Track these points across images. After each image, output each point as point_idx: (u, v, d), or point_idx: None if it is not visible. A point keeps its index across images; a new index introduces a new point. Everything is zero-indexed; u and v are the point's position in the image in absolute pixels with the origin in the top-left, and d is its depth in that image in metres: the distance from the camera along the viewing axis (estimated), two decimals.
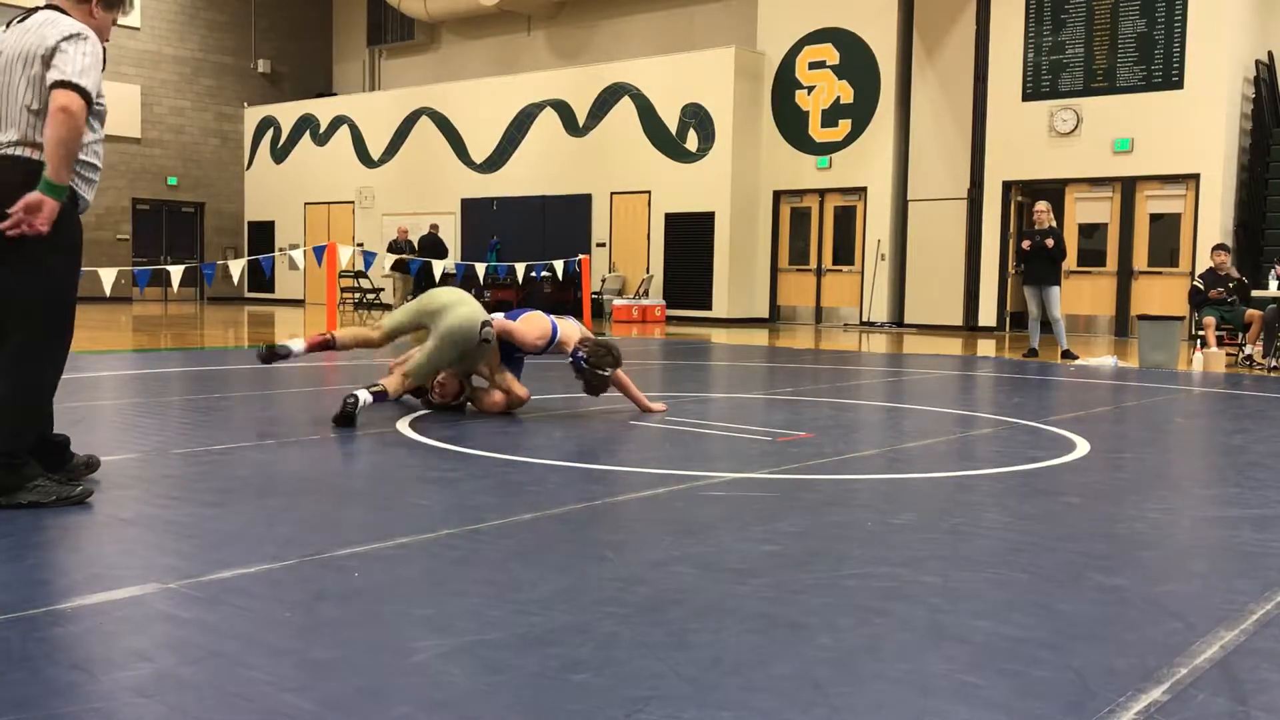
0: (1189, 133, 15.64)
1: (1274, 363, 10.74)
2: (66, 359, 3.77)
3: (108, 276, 11.85)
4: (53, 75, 3.51)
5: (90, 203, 3.80)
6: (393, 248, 20.00)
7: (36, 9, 3.73)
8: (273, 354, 5.83)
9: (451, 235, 23.00)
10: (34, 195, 3.41)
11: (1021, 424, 6.21)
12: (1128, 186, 16.41)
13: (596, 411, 6.34)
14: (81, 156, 3.63)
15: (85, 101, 3.53)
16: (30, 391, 3.66)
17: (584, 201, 21.32)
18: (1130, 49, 16.12)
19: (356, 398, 5.58)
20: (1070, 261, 13.26)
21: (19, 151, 3.56)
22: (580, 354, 5.98)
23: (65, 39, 3.56)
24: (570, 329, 6.22)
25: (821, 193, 19.47)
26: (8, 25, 3.72)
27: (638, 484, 4.19)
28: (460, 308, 5.87)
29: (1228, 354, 11.27)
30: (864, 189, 18.84)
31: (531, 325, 6.14)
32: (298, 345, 5.93)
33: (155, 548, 3.17)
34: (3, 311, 3.58)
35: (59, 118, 3.46)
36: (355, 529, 3.43)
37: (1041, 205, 12.41)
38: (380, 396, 5.74)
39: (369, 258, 15.83)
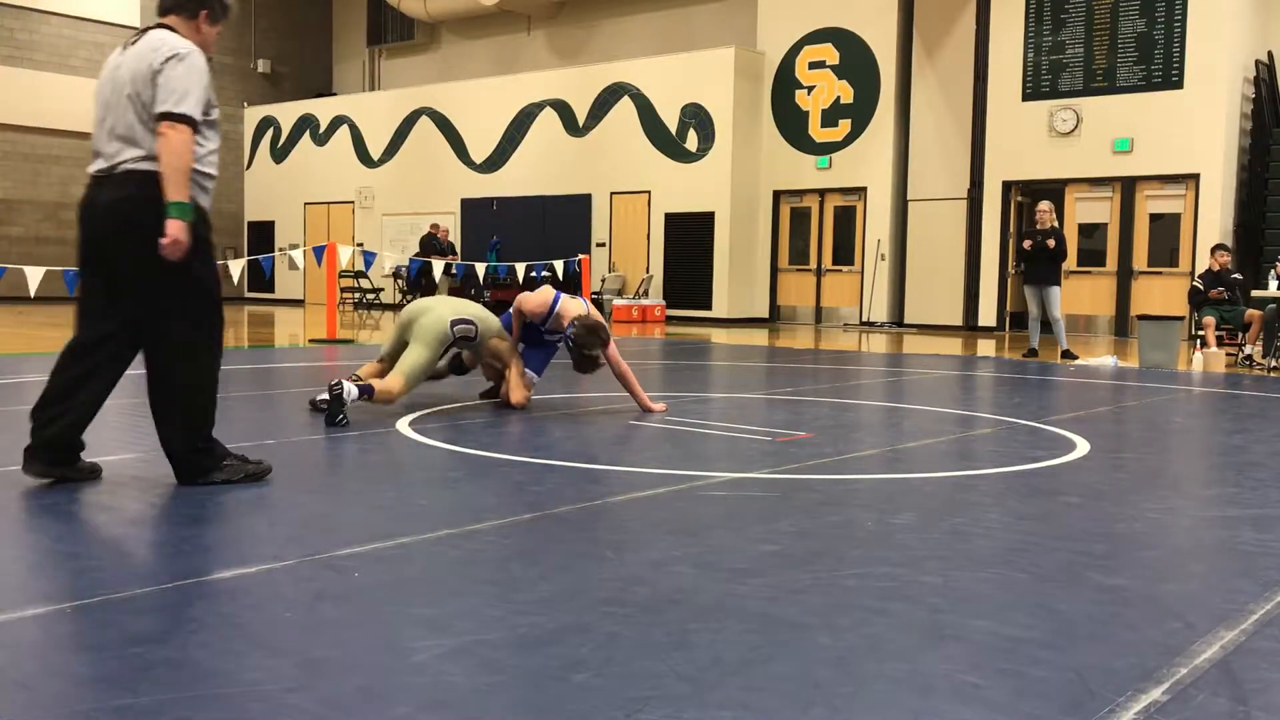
0: (1189, 133, 15.64)
1: (1274, 363, 10.74)
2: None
3: None
4: (156, 106, 3.76)
5: (209, 209, 4.04)
6: (432, 248, 19.91)
7: (149, 29, 3.98)
8: (333, 406, 5.58)
9: (452, 235, 22.99)
10: (169, 228, 3.70)
11: (1021, 424, 6.21)
12: (1127, 186, 16.41)
13: (596, 411, 6.34)
14: (197, 167, 3.87)
15: (189, 125, 3.78)
16: (210, 380, 4.09)
17: (584, 201, 21.32)
18: (1130, 49, 16.12)
19: (342, 386, 5.54)
20: (1070, 261, 13.26)
21: (139, 166, 3.79)
22: (569, 331, 6.15)
23: (166, 61, 3.78)
24: (570, 306, 6.35)
25: (821, 193, 19.47)
26: (124, 47, 3.96)
27: (638, 484, 4.19)
28: (431, 312, 6.05)
29: (1228, 354, 11.27)
30: (864, 189, 18.84)
31: (535, 295, 6.42)
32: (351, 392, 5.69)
33: (155, 548, 3.17)
34: (160, 318, 3.90)
35: (165, 147, 3.73)
36: (355, 529, 3.43)
37: (1044, 205, 12.41)
38: (367, 392, 5.68)
39: (369, 258, 15.83)
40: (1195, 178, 15.76)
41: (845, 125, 18.89)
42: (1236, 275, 12.02)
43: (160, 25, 3.97)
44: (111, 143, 3.85)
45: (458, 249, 22.00)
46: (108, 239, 3.83)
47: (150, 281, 3.82)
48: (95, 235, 3.86)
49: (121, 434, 5.26)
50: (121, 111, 3.83)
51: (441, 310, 6.09)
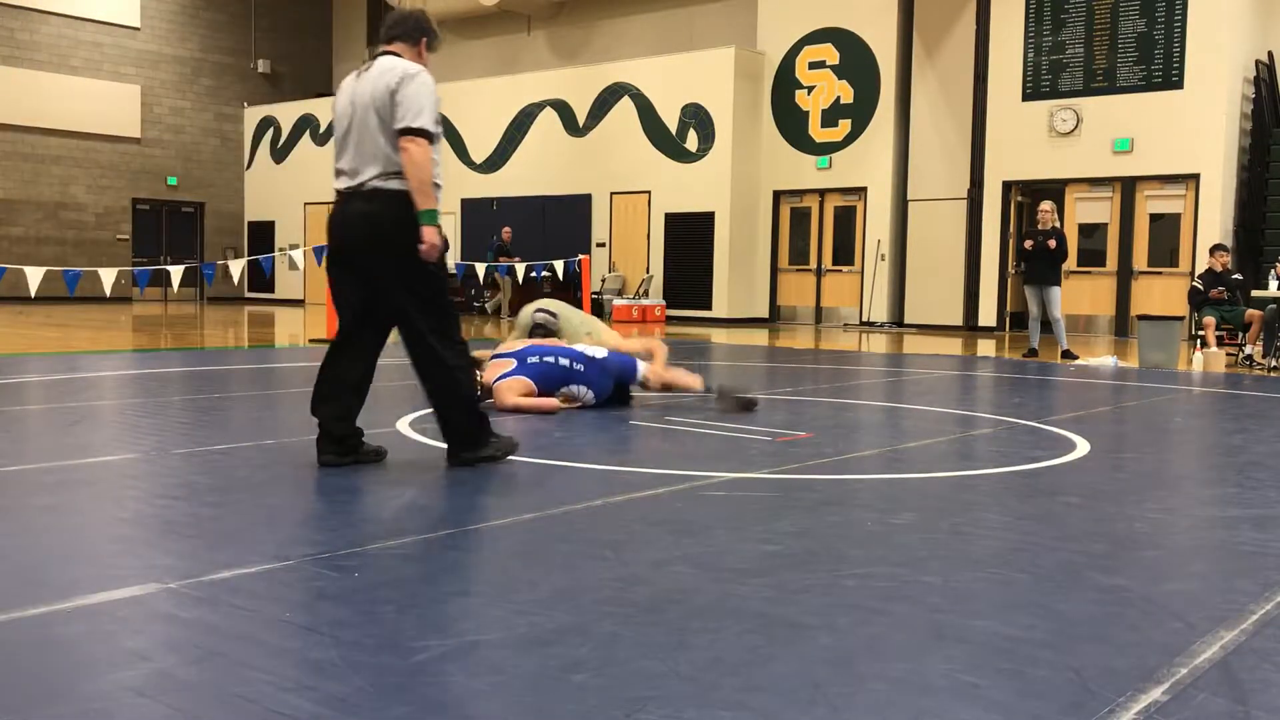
0: (1189, 133, 15.64)
1: (1274, 363, 10.74)
2: None
3: (108, 276, 11.85)
4: (396, 123, 4.18)
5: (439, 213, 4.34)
6: (502, 250, 19.95)
7: (377, 55, 4.41)
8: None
9: (452, 235, 22.99)
10: (425, 234, 4.15)
11: (1021, 424, 6.21)
12: (1127, 186, 16.41)
13: (596, 411, 6.34)
14: (434, 180, 4.26)
15: (427, 139, 4.18)
16: (467, 363, 4.45)
17: (584, 201, 21.32)
18: (1130, 49, 16.12)
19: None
20: (1070, 261, 13.26)
21: (382, 184, 4.23)
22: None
23: (400, 80, 4.20)
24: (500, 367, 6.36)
25: (821, 193, 19.47)
26: (357, 75, 4.39)
27: (638, 484, 4.19)
28: (529, 305, 6.88)
29: (1228, 354, 11.27)
30: (864, 189, 18.84)
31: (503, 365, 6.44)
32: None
33: (155, 548, 3.17)
34: (419, 311, 4.28)
35: (408, 160, 4.15)
36: (355, 529, 3.44)
37: (1045, 205, 12.41)
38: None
39: None
40: (1195, 178, 15.76)
41: (845, 125, 18.89)
42: (1237, 276, 12.01)
43: (387, 52, 4.39)
44: (356, 160, 4.29)
45: (451, 250, 21.99)
46: (358, 247, 4.32)
47: (405, 283, 4.27)
48: (346, 243, 4.36)
49: (121, 434, 5.26)
50: (363, 131, 4.26)
51: (531, 307, 6.73)
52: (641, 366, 6.55)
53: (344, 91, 4.39)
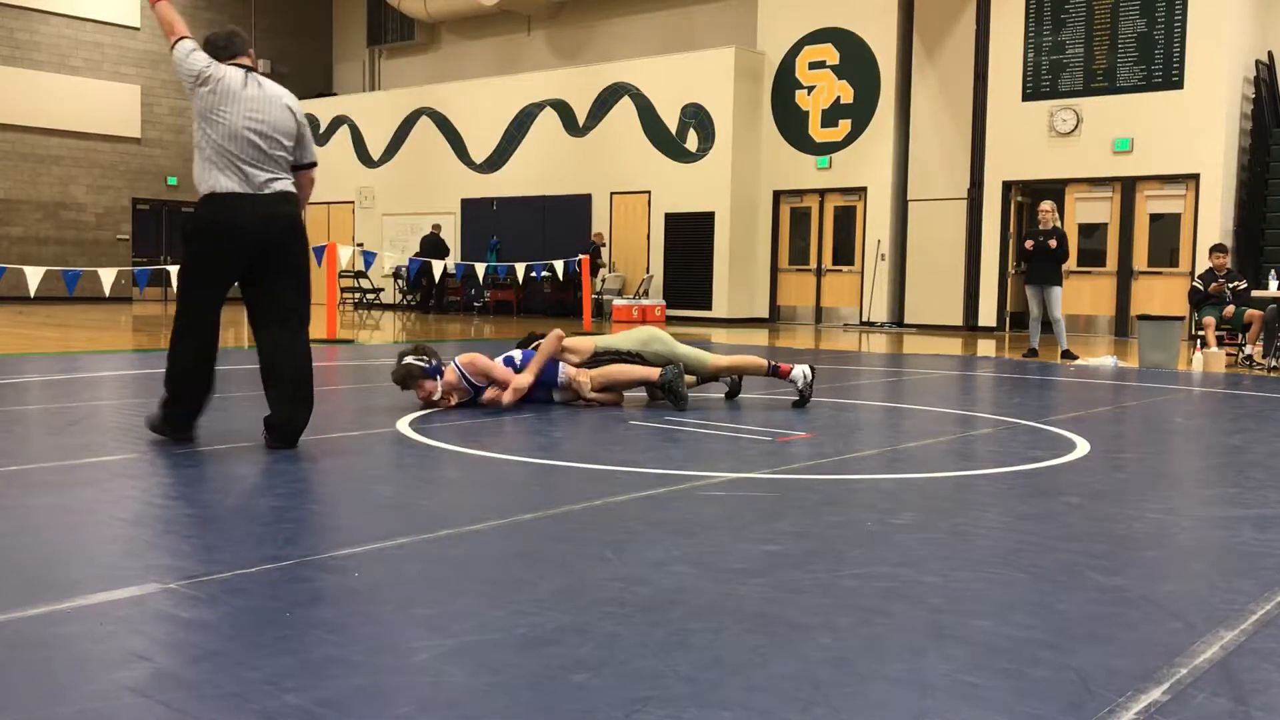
0: (1189, 133, 15.65)
1: (1274, 363, 10.74)
2: None
3: (107, 276, 11.85)
4: (306, 158, 5.06)
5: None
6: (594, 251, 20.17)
7: (242, 68, 4.90)
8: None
9: (452, 235, 23.00)
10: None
11: (1021, 424, 6.21)
12: (1128, 186, 16.41)
13: (597, 411, 6.34)
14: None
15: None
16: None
17: (584, 201, 21.32)
18: (1130, 49, 16.12)
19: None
20: (1070, 261, 13.26)
21: (289, 189, 4.89)
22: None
23: (301, 118, 4.99)
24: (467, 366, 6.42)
25: (821, 193, 19.47)
26: (244, 84, 4.83)
27: (638, 484, 4.19)
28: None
29: (1228, 354, 11.27)
30: (864, 189, 18.84)
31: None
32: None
33: (155, 548, 3.17)
34: (288, 304, 4.86)
35: (311, 186, 5.11)
36: (355, 529, 3.43)
37: (1046, 205, 12.41)
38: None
39: (369, 258, 15.84)
40: (1195, 178, 15.76)
41: (845, 125, 18.89)
42: (1240, 283, 11.98)
43: (246, 65, 4.94)
44: (272, 168, 4.85)
45: (452, 250, 22.02)
46: (275, 241, 4.81)
47: (296, 273, 4.92)
48: (268, 238, 4.80)
49: (121, 434, 5.26)
50: (274, 146, 4.88)
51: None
52: (563, 369, 6.52)
53: (242, 100, 4.74)
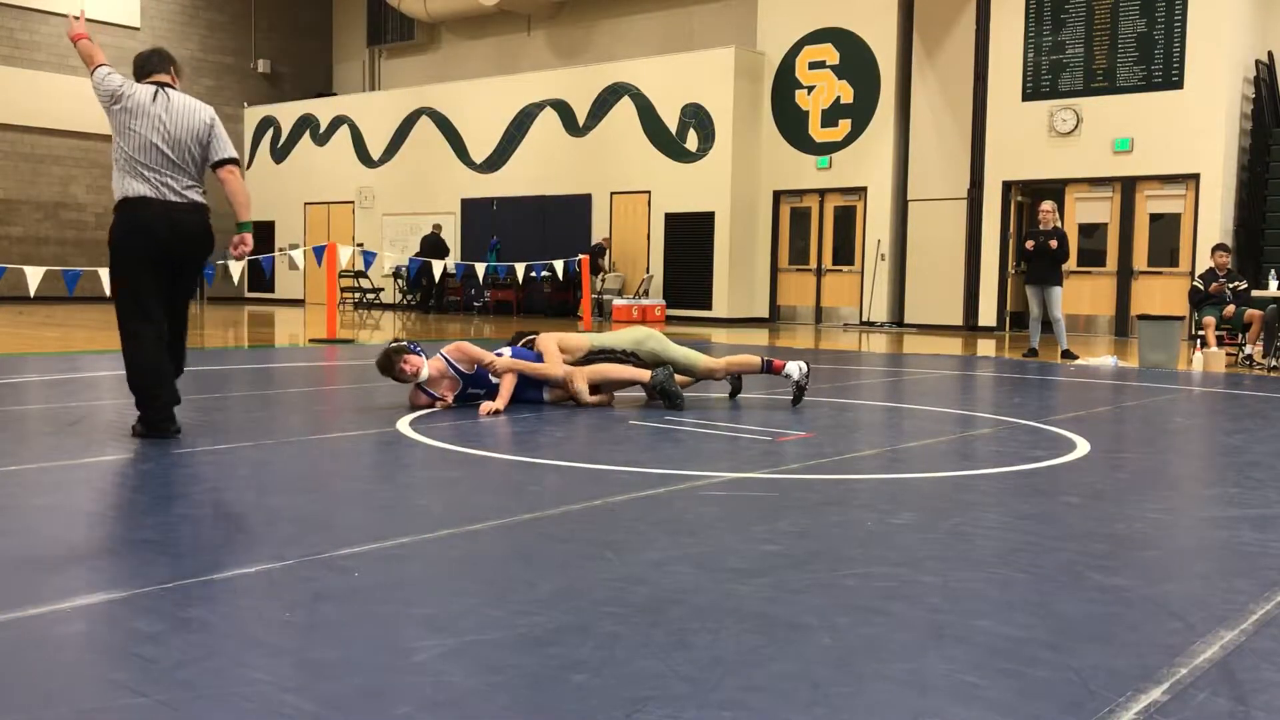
0: (1189, 133, 15.64)
1: (1274, 363, 10.74)
2: None
3: (108, 276, 11.85)
4: (218, 155, 5.33)
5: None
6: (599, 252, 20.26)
7: (157, 85, 5.28)
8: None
9: (452, 235, 23.01)
10: (247, 241, 5.43)
11: (1021, 424, 6.21)
12: (1128, 186, 16.41)
13: (596, 411, 6.34)
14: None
15: (238, 165, 5.45)
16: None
17: (584, 201, 21.32)
18: (1130, 49, 16.12)
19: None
20: (1070, 261, 13.26)
21: (200, 198, 5.28)
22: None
23: (213, 119, 5.31)
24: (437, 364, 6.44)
25: (821, 193, 19.47)
26: (153, 100, 5.21)
27: (638, 484, 4.19)
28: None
29: (1228, 354, 11.27)
30: (864, 189, 18.84)
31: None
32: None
33: (155, 547, 3.17)
34: (187, 301, 5.41)
35: (236, 181, 5.37)
36: (355, 529, 3.43)
37: (1047, 205, 12.41)
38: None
39: (369, 257, 15.84)
40: (1195, 178, 15.76)
41: (845, 125, 18.89)
42: (1240, 284, 11.97)
43: (161, 83, 5.30)
44: (184, 178, 5.26)
45: (452, 250, 22.00)
46: (189, 246, 5.27)
47: (197, 275, 5.46)
48: (182, 243, 5.25)
49: (121, 434, 5.26)
50: (185, 156, 5.25)
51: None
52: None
53: (149, 116, 5.13)
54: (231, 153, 5.32)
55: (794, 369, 6.76)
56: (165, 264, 5.17)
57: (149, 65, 5.36)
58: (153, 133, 5.10)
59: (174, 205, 5.13)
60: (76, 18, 5.49)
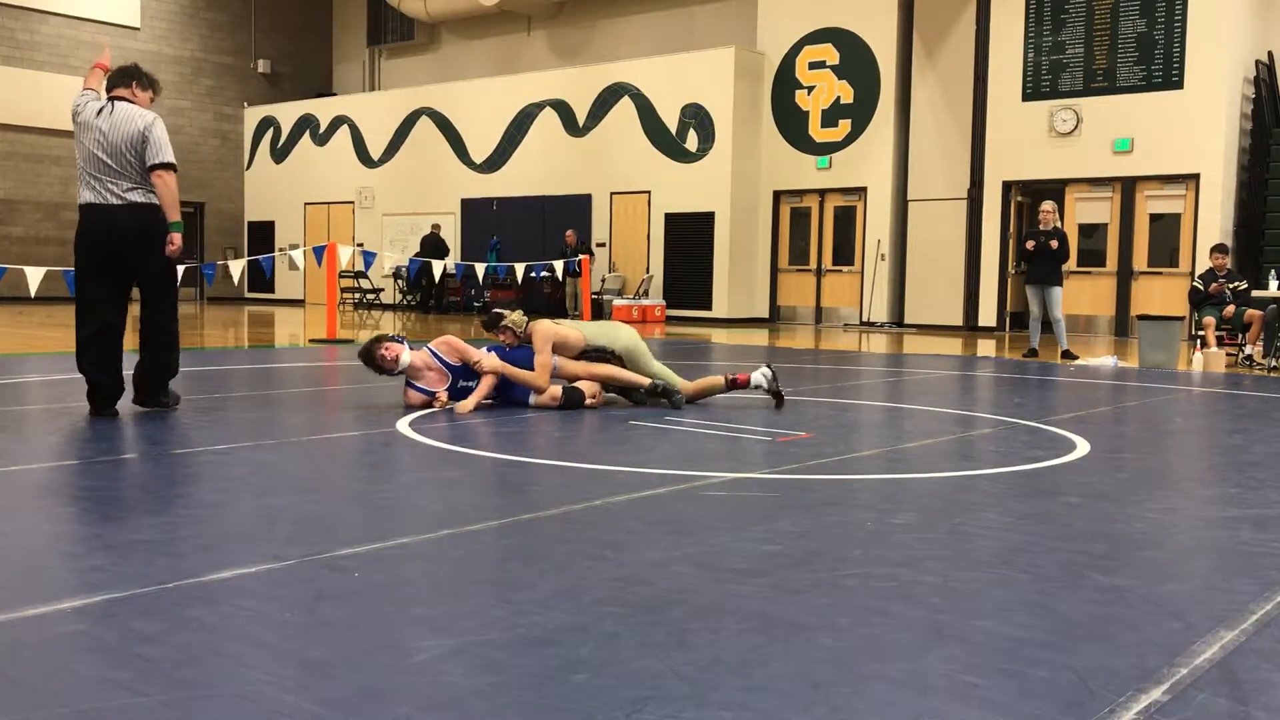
0: (1189, 133, 15.64)
1: (1274, 363, 10.74)
2: None
3: None
4: (152, 159, 5.66)
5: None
6: (576, 252, 20.13)
7: (113, 99, 5.80)
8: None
9: (451, 235, 23.00)
10: (175, 240, 5.69)
11: (1021, 424, 6.21)
12: (1128, 186, 16.41)
13: (596, 411, 6.34)
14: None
15: (173, 170, 5.79)
16: (178, 331, 6.02)
17: (584, 201, 21.32)
18: (1130, 49, 16.12)
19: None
20: (1070, 262, 13.25)
21: (143, 199, 5.68)
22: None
23: (148, 125, 5.67)
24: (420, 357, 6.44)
25: (821, 193, 19.47)
26: (98, 113, 5.71)
27: (638, 484, 4.19)
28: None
29: (1228, 354, 11.27)
30: (864, 189, 18.84)
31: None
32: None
33: (155, 547, 3.17)
34: (153, 296, 5.84)
35: (165, 186, 5.67)
36: (355, 529, 3.43)
37: (1047, 205, 12.41)
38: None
39: (369, 257, 15.83)
40: (1195, 178, 15.76)
41: (845, 125, 18.89)
42: (1240, 283, 11.97)
43: (118, 97, 5.82)
44: (121, 182, 5.71)
45: (451, 250, 21.99)
46: (130, 246, 5.70)
47: (157, 271, 5.87)
48: (121, 244, 5.70)
49: (121, 434, 5.26)
50: (122, 162, 5.69)
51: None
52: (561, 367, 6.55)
53: (92, 129, 5.64)
54: (164, 158, 5.65)
55: (759, 378, 6.62)
56: (116, 263, 5.67)
57: (111, 81, 5.88)
58: (94, 144, 5.64)
59: (114, 208, 5.61)
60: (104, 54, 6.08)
